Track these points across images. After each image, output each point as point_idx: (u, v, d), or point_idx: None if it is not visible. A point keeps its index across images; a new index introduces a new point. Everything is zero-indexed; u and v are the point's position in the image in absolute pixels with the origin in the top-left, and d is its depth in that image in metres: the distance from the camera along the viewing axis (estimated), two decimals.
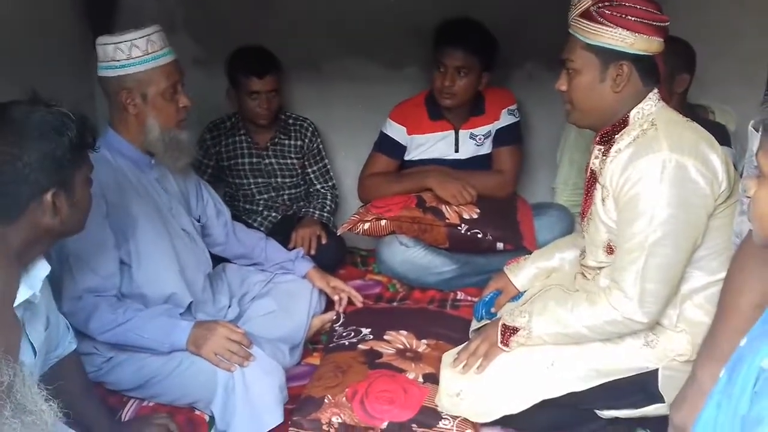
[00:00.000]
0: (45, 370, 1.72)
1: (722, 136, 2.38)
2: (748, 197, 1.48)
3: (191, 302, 2.19)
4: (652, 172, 1.74)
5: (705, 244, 1.82)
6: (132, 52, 2.04)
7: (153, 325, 2.01)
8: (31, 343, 1.54)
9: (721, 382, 1.20)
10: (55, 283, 1.78)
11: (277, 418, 1.98)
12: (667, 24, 1.83)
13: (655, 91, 1.89)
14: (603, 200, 1.88)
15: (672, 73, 2.41)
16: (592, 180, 1.99)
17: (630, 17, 1.78)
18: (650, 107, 1.86)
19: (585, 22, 1.83)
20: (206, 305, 2.27)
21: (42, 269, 1.52)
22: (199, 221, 2.39)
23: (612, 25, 1.79)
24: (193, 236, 2.30)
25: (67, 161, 1.50)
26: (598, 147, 1.96)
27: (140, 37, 2.05)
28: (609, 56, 1.82)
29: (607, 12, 1.79)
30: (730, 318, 1.50)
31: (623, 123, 1.88)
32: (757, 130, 1.27)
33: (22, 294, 1.46)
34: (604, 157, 1.91)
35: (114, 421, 1.96)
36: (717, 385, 1.21)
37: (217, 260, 2.50)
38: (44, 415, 1.02)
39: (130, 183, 2.12)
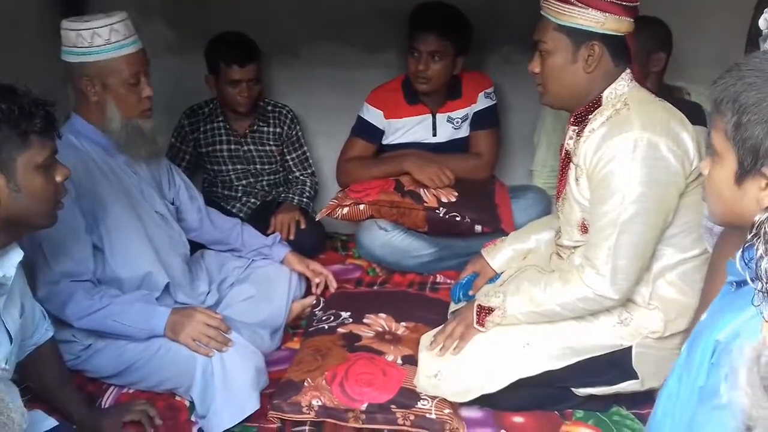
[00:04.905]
0: (21, 358, 1.72)
1: (698, 115, 2.38)
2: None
3: (169, 284, 2.17)
4: (625, 151, 1.76)
5: (677, 221, 1.85)
6: (94, 41, 2.00)
7: (130, 311, 2.00)
8: (7, 330, 1.54)
9: (682, 356, 1.22)
10: (28, 271, 1.77)
11: (253, 405, 1.98)
12: (636, 4, 1.84)
13: (628, 71, 1.90)
14: (577, 180, 1.89)
15: (647, 53, 2.42)
16: (566, 160, 2.00)
17: None
18: (623, 87, 1.88)
19: (556, 3, 1.84)
20: (185, 290, 2.26)
21: (15, 255, 1.51)
22: (173, 204, 2.37)
23: (583, 5, 1.80)
24: (167, 218, 2.28)
25: None
26: (573, 127, 1.98)
27: (103, 26, 2.00)
28: (580, 37, 1.84)
29: None
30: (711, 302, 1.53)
31: (596, 103, 1.89)
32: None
33: None
34: (578, 137, 1.92)
35: (93, 409, 1.96)
36: (678, 359, 1.23)
37: (195, 247, 2.49)
38: (14, 424, 1.01)
39: (98, 167, 2.10)
